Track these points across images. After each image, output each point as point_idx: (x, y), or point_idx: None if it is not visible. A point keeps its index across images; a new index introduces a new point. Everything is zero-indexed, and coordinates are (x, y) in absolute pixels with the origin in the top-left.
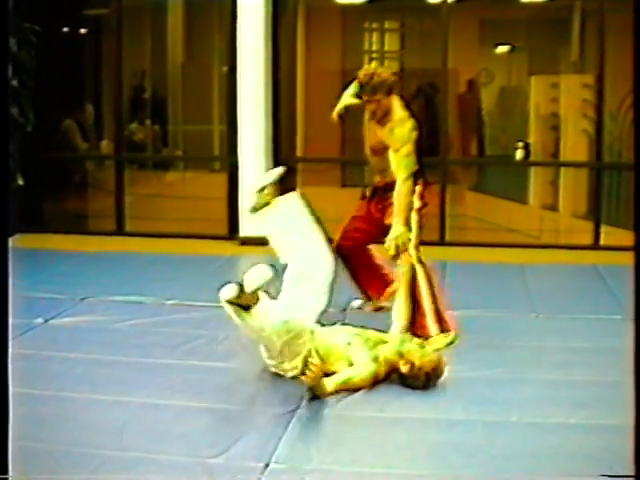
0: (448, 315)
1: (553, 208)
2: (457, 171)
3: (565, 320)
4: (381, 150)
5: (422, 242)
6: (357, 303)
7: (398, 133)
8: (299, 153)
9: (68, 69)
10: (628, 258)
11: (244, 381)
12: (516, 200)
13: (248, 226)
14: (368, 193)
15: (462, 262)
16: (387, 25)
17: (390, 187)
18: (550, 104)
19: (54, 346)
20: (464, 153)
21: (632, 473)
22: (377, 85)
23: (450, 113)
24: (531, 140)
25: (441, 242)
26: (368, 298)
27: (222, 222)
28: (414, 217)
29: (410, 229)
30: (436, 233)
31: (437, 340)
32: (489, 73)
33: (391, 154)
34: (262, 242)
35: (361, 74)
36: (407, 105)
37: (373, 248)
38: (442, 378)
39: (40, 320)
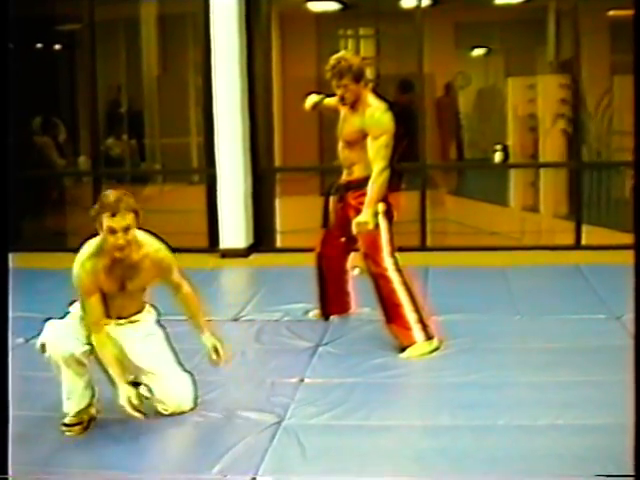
0: (431, 321)
1: (534, 209)
2: (437, 176)
3: (549, 321)
4: (356, 141)
5: (403, 248)
6: (313, 313)
7: (379, 119)
8: (277, 162)
9: (43, 85)
10: (610, 257)
11: (228, 394)
12: (497, 203)
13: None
14: (334, 197)
15: (444, 267)
16: (362, 32)
17: (353, 184)
18: (528, 105)
19: (36, 366)
20: (443, 157)
21: (629, 473)
22: (344, 69)
23: (428, 118)
24: (510, 142)
25: (422, 247)
26: (323, 311)
27: (202, 235)
28: (383, 222)
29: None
30: (417, 238)
31: (421, 347)
32: (466, 76)
33: (369, 142)
34: (242, 254)
35: (330, 59)
36: (386, 101)
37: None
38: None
39: (21, 340)
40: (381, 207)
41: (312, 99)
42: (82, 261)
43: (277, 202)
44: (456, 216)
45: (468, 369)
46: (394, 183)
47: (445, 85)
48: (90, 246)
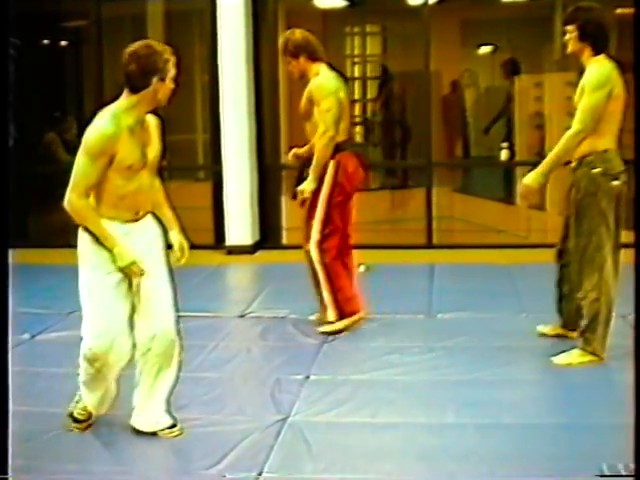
0: (353, 301)
1: (540, 207)
2: (443, 173)
3: (555, 319)
4: (308, 111)
5: (410, 245)
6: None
7: (321, 85)
8: (283, 159)
9: (49, 82)
10: None
11: (234, 391)
12: (503, 200)
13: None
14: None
15: (450, 264)
16: (368, 29)
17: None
18: (534, 103)
19: (42, 362)
20: (449, 155)
21: (629, 473)
22: (281, 46)
23: (434, 115)
24: (516, 140)
25: (429, 245)
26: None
27: (208, 231)
28: (326, 187)
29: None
30: (423, 236)
31: (335, 325)
32: (472, 74)
33: (315, 109)
34: (248, 251)
35: None
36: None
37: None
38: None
39: (27, 336)
40: (331, 168)
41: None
42: (108, 119)
43: (283, 199)
44: (462, 214)
45: (473, 367)
46: (400, 180)
47: (451, 83)
48: (119, 104)
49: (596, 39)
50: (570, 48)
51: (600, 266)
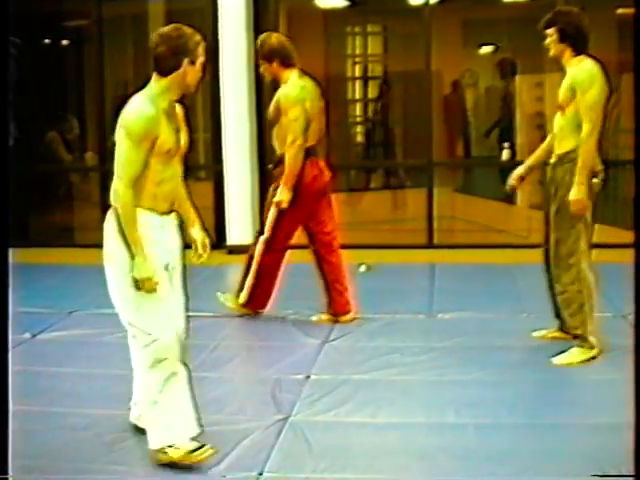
0: (263, 299)
1: (541, 207)
2: (444, 173)
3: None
4: (276, 118)
5: (410, 246)
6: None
7: (287, 94)
8: None
9: (50, 81)
10: (617, 255)
11: (235, 390)
12: (504, 200)
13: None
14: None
15: (451, 264)
16: (369, 29)
17: (282, 160)
18: (535, 103)
19: (42, 361)
20: (450, 155)
21: (629, 473)
22: (258, 49)
23: (435, 115)
24: (517, 140)
25: (429, 245)
26: (331, 311)
27: (209, 231)
28: (273, 209)
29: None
30: (424, 236)
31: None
32: (473, 74)
33: (283, 119)
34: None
35: None
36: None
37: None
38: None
39: (27, 335)
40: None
41: None
42: (145, 101)
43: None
44: (463, 214)
45: (473, 367)
46: (398, 180)
47: (452, 82)
48: (150, 89)
49: (575, 40)
50: (552, 51)
51: (578, 260)
